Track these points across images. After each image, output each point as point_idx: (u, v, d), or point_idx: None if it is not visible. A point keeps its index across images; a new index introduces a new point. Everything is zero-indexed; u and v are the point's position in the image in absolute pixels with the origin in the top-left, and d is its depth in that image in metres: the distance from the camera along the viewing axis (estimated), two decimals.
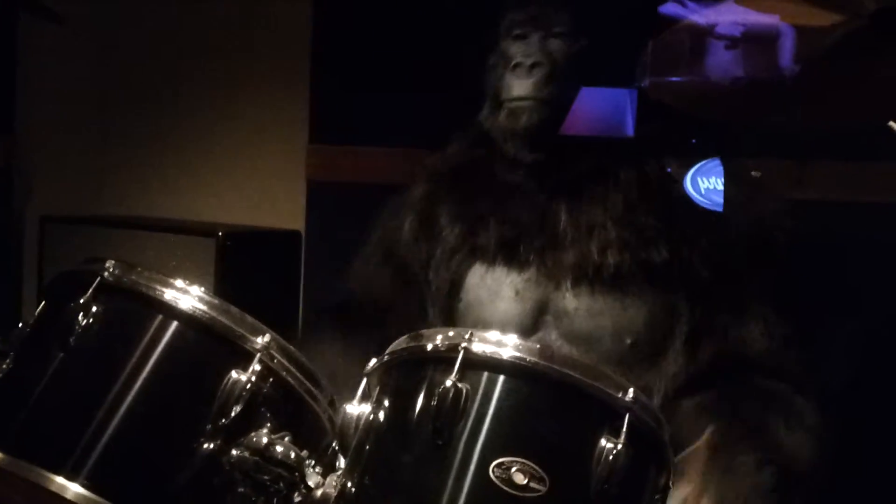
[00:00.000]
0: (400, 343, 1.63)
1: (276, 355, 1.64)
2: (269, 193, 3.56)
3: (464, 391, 1.51)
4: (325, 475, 1.61)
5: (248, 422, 1.61)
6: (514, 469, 1.46)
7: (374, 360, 1.64)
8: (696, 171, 2.23)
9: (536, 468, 1.46)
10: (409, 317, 2.31)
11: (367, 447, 1.57)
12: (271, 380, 1.64)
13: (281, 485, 1.60)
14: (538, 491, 1.46)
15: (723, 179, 2.21)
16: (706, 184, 2.22)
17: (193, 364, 1.65)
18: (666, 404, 2.15)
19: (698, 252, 2.18)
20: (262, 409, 1.63)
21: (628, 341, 2.17)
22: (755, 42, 1.84)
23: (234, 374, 1.61)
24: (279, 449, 1.59)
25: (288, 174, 3.49)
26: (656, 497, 1.58)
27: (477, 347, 1.54)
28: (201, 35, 3.62)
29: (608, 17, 2.26)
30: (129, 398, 1.59)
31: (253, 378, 1.61)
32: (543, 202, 2.25)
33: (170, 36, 3.66)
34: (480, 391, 1.52)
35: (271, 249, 3.38)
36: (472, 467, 1.47)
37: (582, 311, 2.19)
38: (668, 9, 2.00)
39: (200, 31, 3.62)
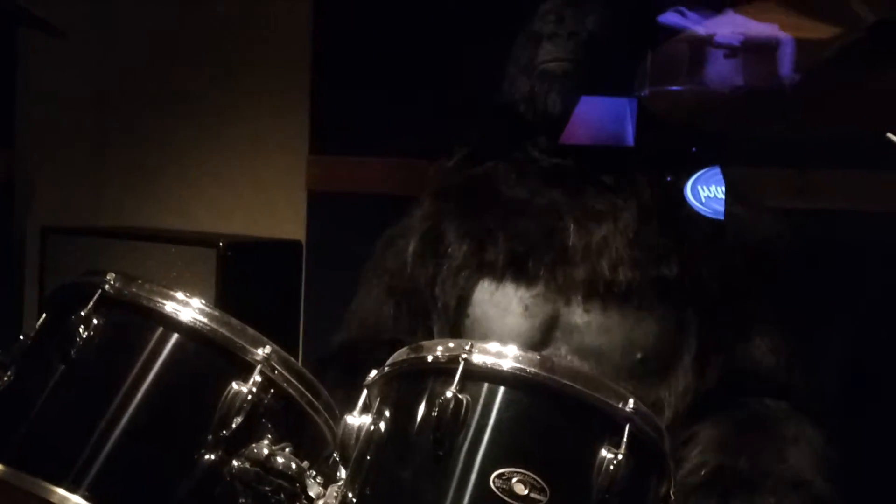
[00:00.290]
0: (400, 354, 1.63)
1: (277, 367, 1.64)
2: (269, 204, 3.56)
3: (464, 402, 1.51)
4: (326, 486, 1.61)
5: (249, 433, 1.61)
6: (514, 479, 1.46)
7: (374, 372, 1.64)
8: (697, 179, 2.23)
9: (537, 479, 1.46)
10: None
11: (368, 458, 1.57)
12: (272, 391, 1.64)
13: (282, 496, 1.60)
14: (539, 501, 1.46)
15: (723, 188, 2.22)
16: (706, 192, 2.23)
17: (194, 376, 1.65)
18: (676, 420, 2.16)
19: (708, 267, 2.18)
20: (263, 421, 1.63)
21: (638, 356, 2.17)
22: (755, 52, 1.84)
23: (234, 385, 1.61)
24: (280, 460, 1.60)
25: (288, 184, 3.50)
26: None
27: (477, 358, 1.54)
28: (201, 46, 3.63)
29: (638, 15, 2.29)
30: (130, 410, 1.59)
31: (254, 389, 1.61)
32: (552, 217, 2.24)
33: (169, 47, 3.67)
34: (481, 402, 1.52)
35: (272, 260, 3.39)
36: (473, 478, 1.47)
37: (592, 326, 2.19)
38: (668, 19, 2.00)
39: (200, 42, 3.63)
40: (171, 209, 3.65)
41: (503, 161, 2.35)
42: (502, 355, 1.55)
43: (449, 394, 1.51)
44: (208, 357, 1.64)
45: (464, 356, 1.54)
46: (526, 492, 1.46)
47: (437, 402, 1.51)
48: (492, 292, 2.26)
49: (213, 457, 1.58)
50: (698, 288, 2.18)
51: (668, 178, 2.26)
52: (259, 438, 1.61)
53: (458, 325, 2.28)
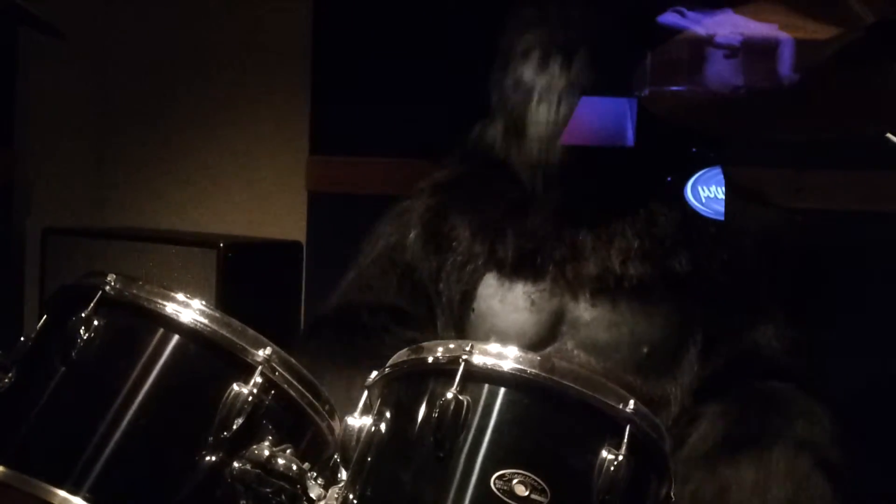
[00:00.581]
0: (401, 356, 1.64)
1: (278, 368, 1.64)
2: (270, 204, 3.56)
3: (465, 403, 1.51)
4: (326, 488, 1.62)
5: (250, 434, 1.61)
6: (515, 481, 1.47)
7: (374, 373, 1.65)
8: (697, 179, 2.23)
9: (538, 480, 1.47)
10: (419, 319, 2.31)
11: (369, 459, 1.57)
12: (273, 392, 1.64)
13: (283, 497, 1.60)
14: (539, 502, 1.46)
15: (723, 188, 2.22)
16: (706, 192, 2.23)
17: (195, 377, 1.65)
18: (682, 413, 2.16)
19: (716, 259, 2.19)
20: (264, 422, 1.63)
21: (645, 350, 2.18)
22: (754, 52, 1.84)
23: (235, 386, 1.61)
24: (281, 461, 1.60)
25: (289, 185, 3.50)
26: None
27: (477, 360, 1.54)
28: (201, 48, 3.63)
29: (627, 31, 2.23)
30: (131, 411, 1.59)
31: (254, 391, 1.61)
32: (562, 213, 2.24)
33: (169, 49, 3.67)
34: (481, 403, 1.52)
35: (272, 260, 3.39)
36: (474, 479, 1.48)
37: (599, 321, 2.19)
38: (668, 19, 2.00)
39: (200, 43, 3.63)
40: (171, 210, 3.65)
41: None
42: (503, 356, 1.55)
43: (449, 395, 1.51)
44: (209, 358, 1.64)
45: (464, 357, 1.54)
46: (527, 493, 1.46)
47: (437, 403, 1.52)
48: (497, 287, 2.26)
49: (213, 458, 1.58)
50: (707, 281, 2.18)
51: (669, 179, 2.27)
52: (260, 440, 1.61)
53: (462, 319, 2.29)
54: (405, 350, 1.64)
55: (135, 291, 1.67)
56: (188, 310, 1.65)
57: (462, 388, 1.52)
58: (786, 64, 1.81)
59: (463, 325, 2.28)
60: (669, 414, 2.14)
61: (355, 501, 1.55)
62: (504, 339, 2.16)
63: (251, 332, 1.65)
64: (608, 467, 1.49)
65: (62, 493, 1.52)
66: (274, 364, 1.64)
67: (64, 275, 3.12)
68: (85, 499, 1.52)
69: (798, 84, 1.80)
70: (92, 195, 3.74)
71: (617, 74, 2.17)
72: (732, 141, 2.34)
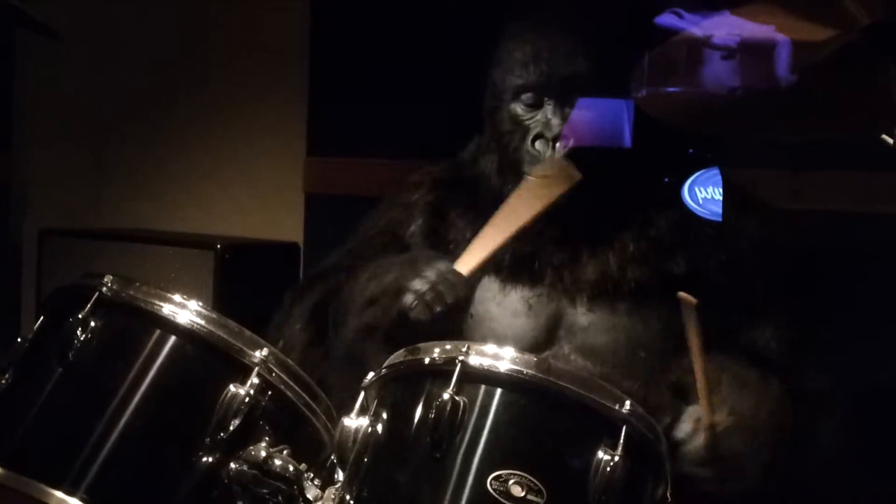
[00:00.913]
0: (397, 356, 1.64)
1: (275, 369, 1.64)
2: (267, 206, 3.56)
3: (461, 404, 1.52)
4: (323, 488, 1.62)
5: (247, 435, 1.62)
6: (511, 481, 1.47)
7: (371, 374, 1.65)
8: (694, 180, 2.23)
9: (534, 480, 1.47)
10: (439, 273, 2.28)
11: (366, 460, 1.57)
12: (269, 393, 1.65)
13: (280, 498, 1.61)
14: (536, 503, 1.47)
15: (720, 189, 2.22)
16: (703, 193, 2.23)
17: (192, 378, 1.65)
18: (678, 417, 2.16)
19: (714, 262, 2.19)
20: (261, 423, 1.64)
21: (642, 354, 2.17)
22: (751, 53, 1.84)
23: (232, 387, 1.61)
24: (278, 462, 1.60)
25: (286, 187, 3.50)
26: None
27: (474, 360, 1.55)
28: (198, 49, 3.64)
29: (618, 65, 2.21)
30: (128, 412, 1.60)
31: (251, 392, 1.62)
32: (559, 218, 2.24)
33: (167, 50, 3.68)
34: (478, 404, 1.53)
35: (270, 262, 3.39)
36: (470, 480, 1.48)
37: (596, 325, 2.18)
38: (665, 20, 2.00)
39: (197, 45, 3.64)
40: (168, 211, 3.65)
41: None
42: (499, 357, 1.56)
43: (446, 396, 1.52)
44: (206, 359, 1.65)
45: (460, 358, 1.55)
46: (523, 493, 1.46)
47: (434, 404, 1.52)
48: (495, 291, 2.26)
49: (210, 459, 1.59)
50: (704, 283, 2.18)
51: (666, 180, 2.27)
52: (257, 441, 1.62)
53: (461, 322, 2.28)
54: (402, 351, 1.64)
55: (132, 293, 1.68)
56: (185, 311, 1.65)
57: (458, 389, 1.53)
58: (782, 65, 1.81)
59: (461, 328, 2.28)
60: (664, 419, 2.14)
61: (352, 502, 1.56)
62: (501, 342, 2.15)
63: (248, 333, 1.66)
64: (604, 468, 1.49)
65: (59, 493, 1.53)
66: (271, 365, 1.64)
67: (61, 276, 3.12)
68: (82, 500, 1.53)
69: (794, 85, 1.80)
70: (89, 196, 3.75)
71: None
72: (729, 142, 2.34)
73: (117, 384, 1.61)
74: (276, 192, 3.55)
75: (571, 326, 2.19)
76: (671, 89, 1.96)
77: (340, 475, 1.61)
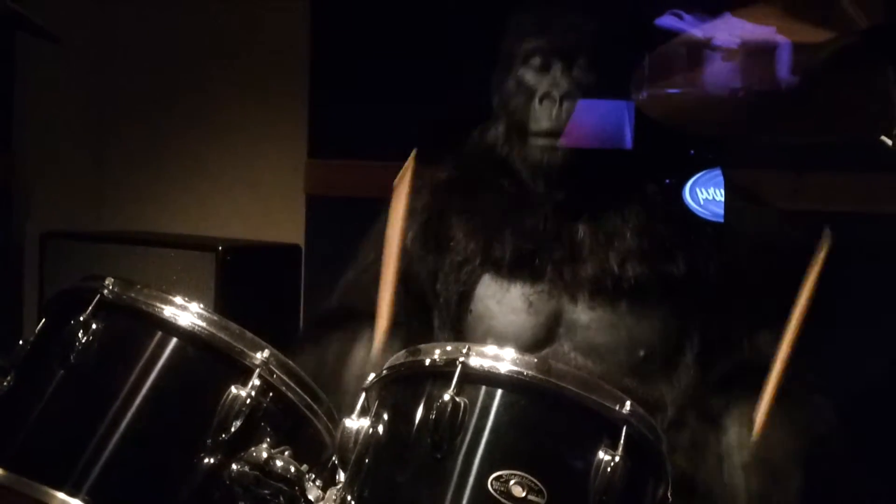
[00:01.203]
0: (398, 358, 1.64)
1: (276, 370, 1.65)
2: (268, 208, 3.57)
3: (462, 405, 1.52)
4: (325, 489, 1.62)
5: (248, 437, 1.62)
6: (512, 482, 1.47)
7: (372, 375, 1.65)
8: (695, 181, 2.24)
9: (535, 481, 1.47)
10: (412, 326, 2.30)
11: (367, 461, 1.58)
12: (271, 395, 1.65)
13: (281, 499, 1.61)
14: (536, 503, 1.47)
15: (722, 190, 2.22)
16: (705, 194, 2.23)
17: (193, 380, 1.66)
18: (678, 416, 2.16)
19: (714, 263, 2.19)
20: (262, 424, 1.64)
21: (641, 353, 2.18)
22: (751, 55, 1.85)
23: (233, 389, 1.62)
24: (279, 463, 1.60)
25: (287, 189, 3.50)
26: None
27: (474, 362, 1.55)
28: (199, 51, 3.64)
29: (626, 37, 2.24)
30: (130, 414, 1.60)
31: (252, 393, 1.62)
32: (560, 214, 2.25)
33: (167, 52, 3.68)
34: (478, 405, 1.53)
35: (271, 264, 3.39)
36: (471, 480, 1.48)
37: (596, 323, 2.19)
38: (666, 22, 2.01)
39: (198, 46, 3.64)
40: (170, 213, 3.65)
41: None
42: (499, 358, 1.56)
43: (447, 397, 1.52)
44: (207, 361, 1.65)
45: (461, 359, 1.55)
46: (524, 494, 1.47)
47: (434, 405, 1.52)
48: (495, 288, 2.26)
49: (212, 460, 1.59)
50: (704, 284, 2.19)
51: (668, 181, 2.27)
52: (258, 442, 1.62)
53: (459, 321, 2.28)
54: (402, 352, 1.64)
55: (133, 295, 1.68)
56: (186, 313, 1.65)
57: (459, 390, 1.53)
58: (782, 67, 1.82)
59: (460, 325, 2.28)
60: (665, 417, 2.15)
61: (353, 503, 1.56)
62: (501, 340, 2.16)
63: (249, 334, 1.66)
64: (605, 468, 1.50)
65: (61, 495, 1.53)
66: (272, 366, 1.64)
67: (63, 278, 3.11)
68: (84, 501, 1.53)
69: (794, 87, 1.81)
70: (90, 199, 3.75)
71: (617, 77, 2.17)
72: (730, 143, 2.34)
73: (119, 386, 1.61)
74: (278, 194, 3.55)
75: (572, 324, 2.19)
76: (672, 91, 1.96)
77: (342, 476, 1.61)
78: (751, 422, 2.07)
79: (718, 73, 1.87)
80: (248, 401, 1.61)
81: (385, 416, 1.60)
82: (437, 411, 1.52)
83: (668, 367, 2.18)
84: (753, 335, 2.19)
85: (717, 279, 2.19)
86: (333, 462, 1.66)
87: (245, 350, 1.64)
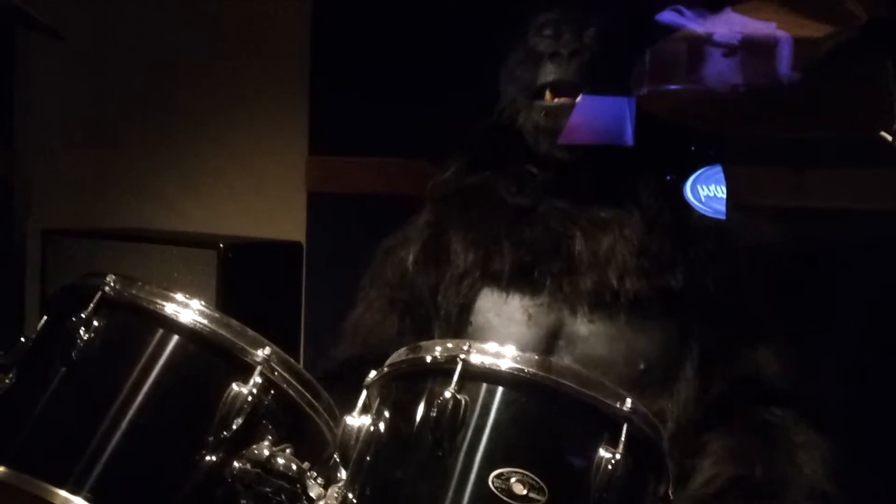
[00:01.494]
0: (399, 355, 1.64)
1: (277, 368, 1.65)
2: (269, 205, 3.57)
3: (463, 402, 1.52)
4: (326, 487, 1.62)
5: (250, 434, 1.62)
6: (513, 479, 1.47)
7: (373, 373, 1.65)
8: (696, 178, 2.23)
9: (535, 478, 1.47)
10: None
11: (368, 458, 1.58)
12: (272, 392, 1.65)
13: (283, 497, 1.61)
14: (537, 501, 1.47)
15: (723, 186, 2.22)
16: (706, 191, 2.23)
17: (194, 377, 1.66)
18: (679, 430, 2.16)
19: (713, 276, 2.19)
20: (264, 422, 1.64)
21: (641, 367, 2.17)
22: (752, 50, 1.85)
23: (235, 386, 1.62)
24: (281, 461, 1.60)
25: (288, 186, 3.50)
26: None
27: (475, 359, 1.55)
28: (200, 48, 3.64)
29: (635, 18, 2.23)
30: (131, 411, 1.60)
31: (254, 391, 1.62)
32: (558, 226, 2.24)
33: (169, 49, 3.68)
34: (479, 402, 1.53)
35: (272, 261, 3.39)
36: (472, 478, 1.48)
37: (596, 336, 2.19)
38: (666, 17, 2.00)
39: (199, 44, 3.64)
40: (171, 211, 3.66)
41: (503, 171, 2.34)
42: (500, 355, 1.56)
43: (448, 394, 1.52)
44: (208, 358, 1.65)
45: (462, 356, 1.55)
46: (524, 491, 1.47)
47: (435, 402, 1.52)
48: (495, 301, 2.26)
49: (213, 458, 1.59)
50: (703, 297, 2.18)
51: (669, 178, 2.27)
52: (259, 439, 1.62)
53: (460, 333, 2.28)
54: (403, 349, 1.64)
55: (134, 292, 1.68)
56: (187, 310, 1.65)
57: (460, 387, 1.53)
58: (783, 62, 1.81)
59: (461, 338, 2.28)
60: (665, 430, 2.14)
61: (354, 500, 1.56)
62: None
63: (250, 332, 1.66)
64: (605, 465, 1.49)
65: (63, 492, 1.53)
66: (273, 364, 1.64)
67: (64, 275, 3.11)
68: (86, 499, 1.53)
69: (794, 82, 1.81)
70: (92, 196, 3.75)
71: (623, 58, 2.18)
72: (731, 139, 2.34)
73: (120, 383, 1.61)
74: (279, 192, 3.55)
75: (571, 337, 2.19)
76: (672, 87, 1.96)
77: (343, 473, 1.61)
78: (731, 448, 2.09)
79: (719, 69, 1.87)
80: (250, 398, 1.61)
81: (386, 414, 1.60)
82: (438, 409, 1.52)
83: (669, 379, 2.18)
84: (753, 347, 2.19)
85: (716, 291, 2.19)
86: (335, 459, 1.65)
87: (246, 347, 1.64)
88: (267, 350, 1.65)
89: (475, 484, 1.48)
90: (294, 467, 1.61)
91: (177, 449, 1.61)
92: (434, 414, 1.52)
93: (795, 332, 2.22)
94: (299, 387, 1.67)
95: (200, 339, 1.64)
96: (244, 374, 1.63)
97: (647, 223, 2.21)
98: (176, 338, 1.65)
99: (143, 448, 1.60)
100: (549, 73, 2.25)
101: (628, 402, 1.54)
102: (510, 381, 1.54)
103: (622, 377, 2.15)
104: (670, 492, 1.60)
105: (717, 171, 2.24)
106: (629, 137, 2.22)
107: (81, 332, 1.64)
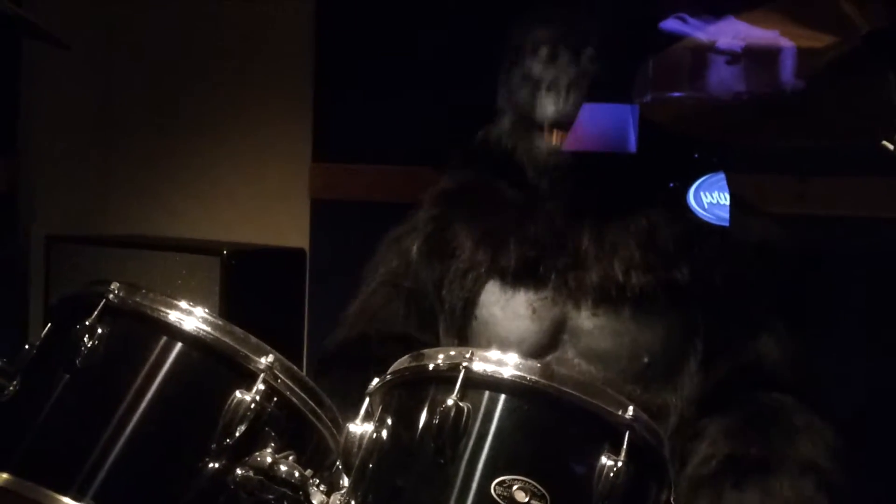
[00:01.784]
0: (402, 362, 1.64)
1: (280, 375, 1.65)
2: (273, 212, 3.57)
3: (465, 410, 1.52)
4: (328, 494, 1.62)
5: (253, 441, 1.62)
6: (515, 487, 1.47)
7: (376, 380, 1.66)
8: (700, 185, 2.24)
9: (538, 486, 1.47)
10: (428, 344, 2.29)
11: (370, 466, 1.58)
12: (275, 399, 1.65)
13: (285, 503, 1.61)
14: None
15: (726, 193, 2.22)
16: (709, 198, 2.23)
17: (198, 384, 1.66)
18: (682, 424, 2.17)
19: (717, 270, 2.19)
20: (267, 429, 1.64)
21: (645, 360, 2.18)
22: (755, 58, 1.85)
23: (238, 394, 1.62)
24: (283, 468, 1.60)
25: (292, 193, 3.51)
26: None
27: (478, 367, 1.55)
28: (203, 55, 3.64)
29: (635, 29, 2.23)
30: (135, 419, 1.60)
31: (257, 398, 1.62)
32: (564, 221, 2.25)
33: (171, 56, 3.69)
34: (482, 410, 1.53)
35: (276, 268, 3.40)
36: (474, 486, 1.48)
37: (600, 330, 2.19)
38: (670, 25, 2.01)
39: (202, 50, 3.64)
40: (174, 217, 3.66)
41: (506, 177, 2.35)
42: (503, 363, 1.56)
43: (450, 402, 1.52)
44: (212, 366, 1.65)
45: (464, 364, 1.55)
46: (526, 499, 1.47)
47: (438, 410, 1.52)
48: (499, 295, 2.26)
49: (216, 465, 1.59)
50: (708, 291, 2.19)
51: (672, 185, 2.27)
52: (262, 447, 1.62)
53: (464, 327, 2.29)
54: (406, 357, 1.64)
55: (138, 299, 1.68)
56: (191, 317, 1.66)
57: (462, 395, 1.53)
58: (786, 71, 1.82)
59: (465, 332, 2.29)
60: (669, 424, 2.15)
61: None
62: (505, 346, 2.16)
63: (253, 339, 1.66)
64: (607, 473, 1.50)
65: (66, 499, 1.53)
66: (276, 371, 1.64)
67: (68, 282, 3.13)
68: None
69: (796, 91, 1.81)
70: (95, 203, 3.76)
71: (623, 71, 2.17)
72: (734, 147, 2.34)
73: (124, 391, 1.61)
74: (282, 198, 3.56)
75: (575, 330, 2.20)
76: (675, 94, 1.96)
77: (345, 481, 1.61)
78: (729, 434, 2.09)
79: (723, 77, 1.87)
80: (253, 405, 1.61)
81: (388, 421, 1.60)
82: (440, 416, 1.52)
83: (673, 374, 2.19)
84: (756, 341, 2.20)
85: (721, 285, 2.20)
86: (337, 467, 1.66)
87: (249, 354, 1.64)
88: (270, 357, 1.65)
89: (477, 492, 1.48)
90: (297, 474, 1.61)
91: (180, 456, 1.61)
92: (436, 421, 1.52)
93: (798, 326, 2.22)
94: (302, 394, 1.67)
95: (204, 347, 1.64)
96: (247, 381, 1.63)
97: (653, 218, 2.22)
98: (179, 345, 1.65)
99: (146, 455, 1.60)
100: (547, 108, 2.23)
101: (630, 409, 1.54)
102: (512, 388, 1.54)
103: (626, 371, 2.16)
104: (672, 498, 1.60)
105: (720, 179, 2.25)
106: (632, 145, 2.22)
107: (85, 340, 1.64)
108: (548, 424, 1.55)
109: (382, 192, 3.27)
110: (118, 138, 3.78)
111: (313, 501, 1.61)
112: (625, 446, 1.51)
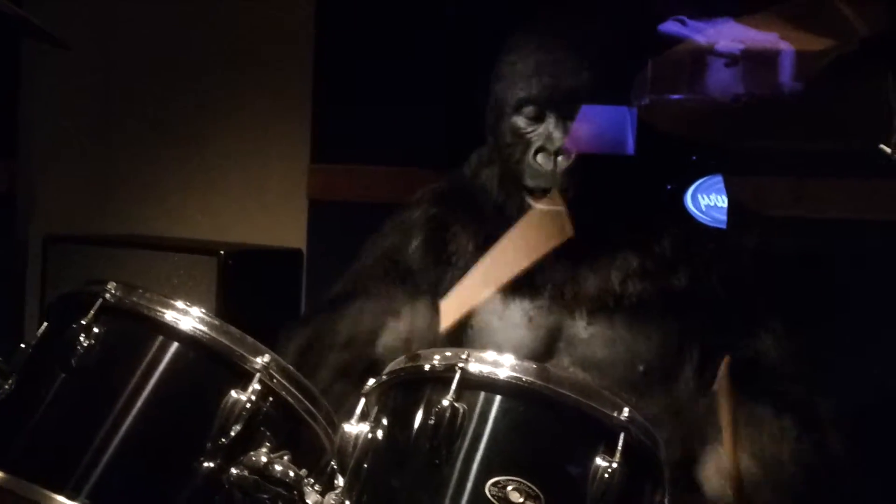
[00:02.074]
0: (398, 363, 1.65)
1: (276, 375, 1.65)
2: (270, 212, 3.57)
3: (461, 411, 1.52)
4: (323, 494, 1.62)
5: (248, 441, 1.62)
6: (510, 488, 1.48)
7: (372, 380, 1.66)
8: (697, 187, 2.24)
9: (532, 487, 1.48)
10: (415, 318, 2.29)
11: (365, 466, 1.58)
12: (271, 399, 1.65)
13: (280, 503, 1.61)
14: None
15: (724, 196, 2.23)
16: (706, 201, 2.23)
17: (193, 384, 1.66)
18: (677, 431, 2.16)
19: (715, 273, 2.19)
20: (262, 429, 1.64)
21: (641, 368, 2.18)
22: (754, 61, 1.85)
23: (233, 393, 1.62)
24: (278, 468, 1.61)
25: (289, 193, 3.51)
26: None
27: (473, 367, 1.55)
28: (203, 55, 3.64)
29: (621, 79, 2.13)
30: (130, 418, 1.60)
31: (252, 398, 1.62)
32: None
33: (170, 57, 3.68)
34: (477, 410, 1.54)
35: (273, 268, 3.40)
36: (469, 486, 1.49)
37: (596, 338, 2.19)
38: (668, 28, 2.01)
39: (201, 52, 3.64)
40: (172, 217, 3.66)
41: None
42: (499, 364, 1.56)
43: (445, 402, 1.52)
44: (208, 365, 1.66)
45: (460, 365, 1.55)
46: (521, 500, 1.47)
47: (433, 410, 1.53)
48: (495, 303, 2.26)
49: (211, 464, 1.59)
50: (705, 297, 2.19)
51: (669, 187, 2.27)
52: (257, 446, 1.62)
53: (459, 335, 2.28)
54: (402, 357, 1.65)
55: (135, 299, 1.68)
56: (187, 317, 1.66)
57: (458, 396, 1.53)
58: (784, 74, 1.82)
59: (460, 339, 2.29)
60: (664, 432, 2.14)
61: None
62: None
63: (250, 339, 1.67)
64: (602, 474, 1.50)
65: (61, 498, 1.54)
66: (272, 371, 1.65)
67: (65, 282, 3.13)
68: None
69: (794, 94, 1.81)
70: (93, 202, 3.75)
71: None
72: (732, 149, 2.34)
73: (120, 390, 1.62)
74: (280, 199, 3.55)
75: (571, 339, 2.20)
76: (674, 97, 1.96)
77: (340, 481, 1.61)
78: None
79: (721, 80, 1.87)
80: (248, 405, 1.62)
81: (384, 421, 1.61)
82: (435, 417, 1.52)
83: (668, 381, 2.18)
84: (753, 342, 2.19)
85: (718, 288, 2.19)
86: (332, 467, 1.66)
87: (245, 354, 1.65)
88: (266, 357, 1.65)
89: (472, 492, 1.48)
90: (291, 474, 1.61)
91: (175, 455, 1.61)
92: (432, 422, 1.52)
93: (796, 328, 2.22)
94: (298, 394, 1.67)
95: (200, 346, 1.65)
96: (243, 381, 1.63)
97: (650, 225, 2.21)
98: (175, 345, 1.65)
99: (141, 454, 1.60)
100: (537, 176, 2.19)
101: (625, 411, 1.55)
102: (508, 389, 1.55)
103: (621, 379, 2.16)
104: (666, 500, 1.60)
105: (717, 181, 2.25)
106: (630, 147, 2.22)
107: (82, 339, 1.64)
108: (543, 425, 1.55)
109: (380, 194, 3.27)
110: (116, 139, 3.78)
111: (308, 501, 1.61)
112: (619, 448, 1.52)
